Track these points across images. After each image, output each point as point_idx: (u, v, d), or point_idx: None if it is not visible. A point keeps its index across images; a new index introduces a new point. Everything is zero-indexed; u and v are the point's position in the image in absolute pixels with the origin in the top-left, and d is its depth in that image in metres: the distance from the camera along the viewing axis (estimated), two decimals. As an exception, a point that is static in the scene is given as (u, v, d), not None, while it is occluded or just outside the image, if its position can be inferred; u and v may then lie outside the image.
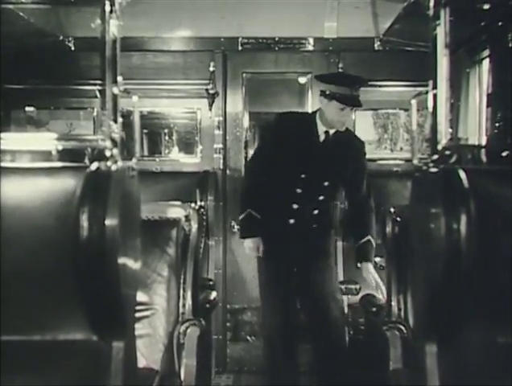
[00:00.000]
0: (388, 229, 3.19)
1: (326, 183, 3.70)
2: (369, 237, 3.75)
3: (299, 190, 3.69)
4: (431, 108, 2.11)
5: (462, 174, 1.89)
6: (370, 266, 3.73)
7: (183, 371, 2.95)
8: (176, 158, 5.05)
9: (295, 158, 3.65)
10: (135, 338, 2.21)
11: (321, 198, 3.72)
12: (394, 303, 3.10)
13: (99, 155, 2.09)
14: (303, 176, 3.67)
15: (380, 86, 4.65)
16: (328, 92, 3.58)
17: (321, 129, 3.66)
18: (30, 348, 1.92)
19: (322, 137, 3.68)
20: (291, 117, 3.84)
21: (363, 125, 4.93)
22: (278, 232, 3.77)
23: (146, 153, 5.10)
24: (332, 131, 3.67)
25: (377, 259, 3.73)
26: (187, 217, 3.25)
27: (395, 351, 2.93)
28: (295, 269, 3.84)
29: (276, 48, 4.70)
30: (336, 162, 3.71)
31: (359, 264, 3.76)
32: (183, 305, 3.04)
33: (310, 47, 4.73)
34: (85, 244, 1.82)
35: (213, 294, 3.76)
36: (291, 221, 3.72)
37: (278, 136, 3.69)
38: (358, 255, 3.79)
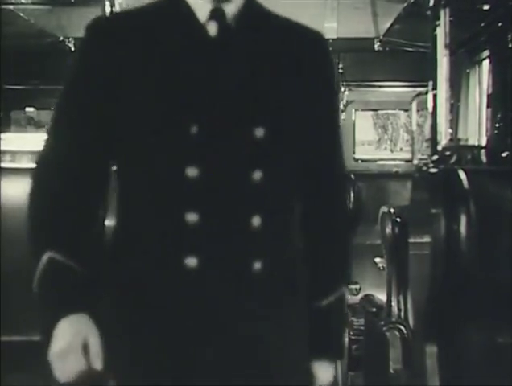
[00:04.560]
0: (388, 230, 3.19)
1: (258, 131, 1.18)
2: (342, 291, 1.38)
3: (192, 172, 1.16)
4: (431, 109, 2.12)
5: (462, 175, 1.89)
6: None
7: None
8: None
9: (162, 92, 1.19)
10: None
11: (257, 175, 1.18)
12: (394, 303, 3.10)
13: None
14: (193, 130, 1.17)
15: (380, 86, 4.65)
16: None
17: (203, 11, 1.22)
18: (30, 348, 1.92)
19: (212, 28, 1.22)
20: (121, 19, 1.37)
21: (363, 125, 4.94)
22: (163, 295, 1.21)
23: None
24: (230, 7, 1.23)
25: (377, 259, 3.69)
26: (187, 217, 3.24)
27: (395, 352, 2.92)
28: None
29: (276, 49, 4.70)
30: (259, 79, 1.23)
31: (316, 362, 1.32)
32: (183, 306, 3.05)
33: (310, 48, 4.72)
34: (85, 245, 1.82)
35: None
36: (190, 261, 1.17)
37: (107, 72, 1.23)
38: (315, 337, 1.30)
